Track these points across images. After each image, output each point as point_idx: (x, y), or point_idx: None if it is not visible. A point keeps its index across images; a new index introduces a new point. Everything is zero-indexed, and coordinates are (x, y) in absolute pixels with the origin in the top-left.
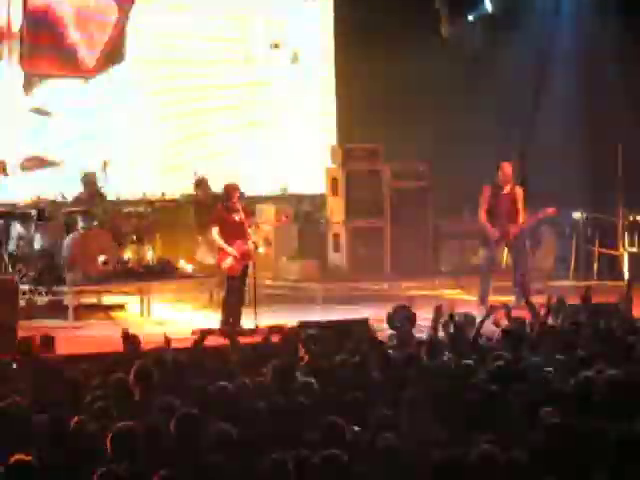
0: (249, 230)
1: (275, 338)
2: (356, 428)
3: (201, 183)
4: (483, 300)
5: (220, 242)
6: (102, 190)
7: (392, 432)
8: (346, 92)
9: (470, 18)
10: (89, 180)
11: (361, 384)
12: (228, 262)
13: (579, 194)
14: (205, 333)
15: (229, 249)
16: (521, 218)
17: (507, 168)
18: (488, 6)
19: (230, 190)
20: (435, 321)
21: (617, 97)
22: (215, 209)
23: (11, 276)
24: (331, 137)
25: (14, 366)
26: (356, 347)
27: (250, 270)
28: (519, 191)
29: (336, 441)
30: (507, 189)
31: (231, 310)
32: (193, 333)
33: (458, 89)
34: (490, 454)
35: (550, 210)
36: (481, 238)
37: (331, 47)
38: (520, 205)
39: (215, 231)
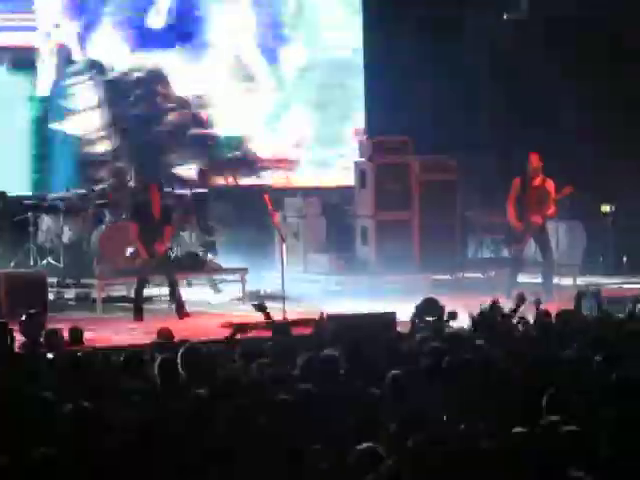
0: (168, 227)
1: (303, 331)
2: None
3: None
4: (510, 294)
5: (134, 239)
6: (130, 183)
7: (419, 427)
8: (376, 83)
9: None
10: (119, 173)
11: (384, 378)
12: (139, 261)
13: (609, 186)
14: (239, 328)
15: (140, 250)
16: (550, 210)
17: (535, 159)
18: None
19: (150, 186)
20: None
21: None
22: (134, 205)
23: (40, 269)
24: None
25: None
26: (381, 341)
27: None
28: (550, 183)
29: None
30: (537, 181)
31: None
32: (222, 326)
33: (483, 80)
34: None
35: (566, 190)
36: (508, 231)
37: (360, 38)
38: (550, 198)
39: (133, 228)
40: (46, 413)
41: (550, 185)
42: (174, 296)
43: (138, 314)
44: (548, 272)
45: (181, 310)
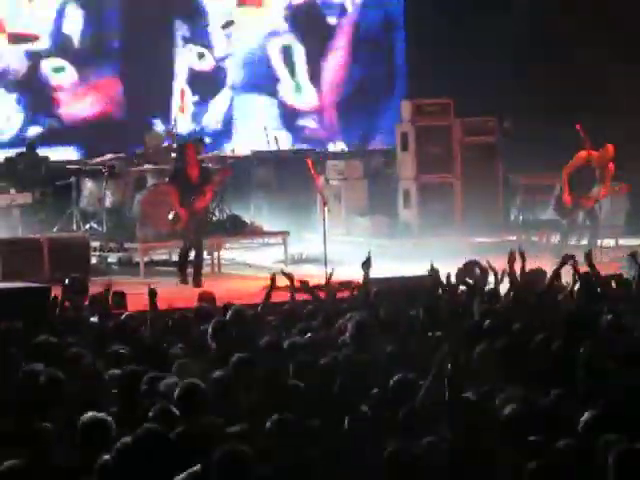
0: (208, 188)
1: (345, 294)
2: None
3: None
4: (559, 256)
5: (175, 204)
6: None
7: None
8: (417, 45)
9: None
10: (155, 137)
11: (426, 340)
12: (180, 225)
13: None
14: (272, 284)
15: (181, 214)
16: (602, 192)
17: (611, 150)
18: None
19: (186, 146)
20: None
21: None
22: (173, 168)
23: (82, 233)
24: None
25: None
26: (424, 303)
27: None
28: (612, 167)
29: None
30: (604, 165)
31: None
32: (264, 289)
33: (531, 42)
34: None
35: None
36: (557, 201)
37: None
38: (607, 180)
39: (172, 192)
40: (91, 378)
41: (611, 168)
42: (197, 262)
43: (183, 277)
44: (593, 236)
45: (198, 279)
